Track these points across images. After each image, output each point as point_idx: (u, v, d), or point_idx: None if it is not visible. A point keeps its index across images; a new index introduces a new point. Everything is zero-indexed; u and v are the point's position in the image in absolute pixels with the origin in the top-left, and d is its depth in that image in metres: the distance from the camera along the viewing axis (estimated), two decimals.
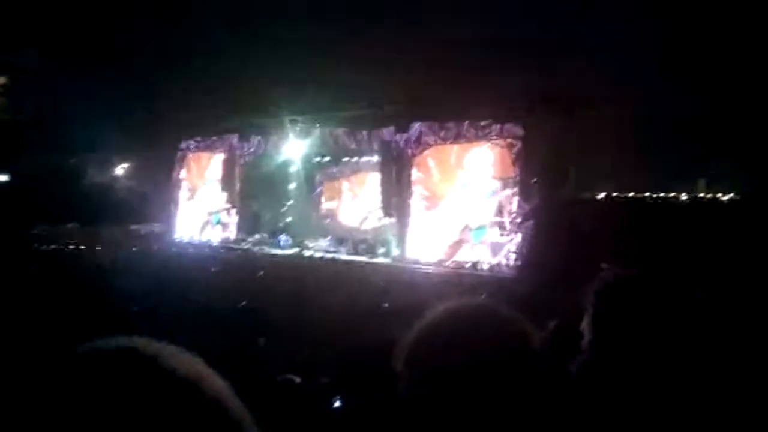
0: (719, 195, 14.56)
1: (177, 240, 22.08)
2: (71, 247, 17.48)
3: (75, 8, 20.26)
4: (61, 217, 20.79)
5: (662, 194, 14.82)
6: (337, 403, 3.13)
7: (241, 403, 0.60)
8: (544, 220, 14.40)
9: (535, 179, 14.76)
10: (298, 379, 2.92)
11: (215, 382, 0.59)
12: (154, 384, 0.54)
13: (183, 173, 23.02)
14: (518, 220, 14.81)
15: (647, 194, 14.92)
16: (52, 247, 17.32)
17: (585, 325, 2.44)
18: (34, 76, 22.63)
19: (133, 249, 18.25)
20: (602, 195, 15.45)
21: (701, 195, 14.87)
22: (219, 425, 0.56)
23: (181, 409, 0.54)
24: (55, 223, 20.51)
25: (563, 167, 14.99)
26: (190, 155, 22.90)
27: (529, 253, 14.44)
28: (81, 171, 24.31)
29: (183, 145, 22.87)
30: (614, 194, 15.40)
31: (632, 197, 15.24)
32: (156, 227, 22.70)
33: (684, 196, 14.78)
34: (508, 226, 15.06)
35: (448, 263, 16.02)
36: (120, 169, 25.01)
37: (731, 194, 14.34)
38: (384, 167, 18.06)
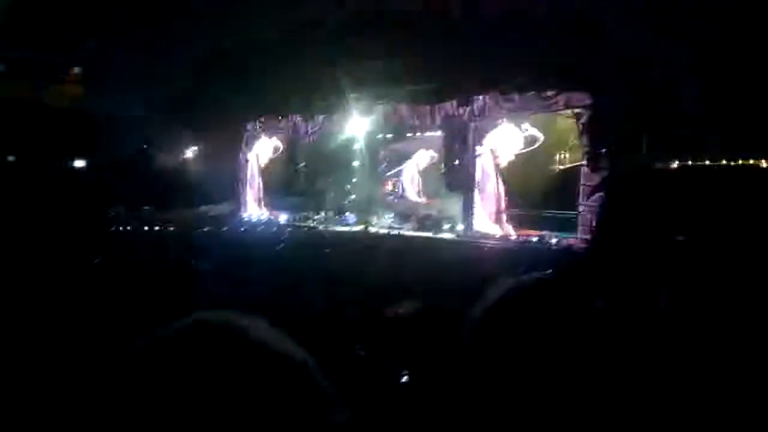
0: None
1: (245, 220, 22.62)
2: (146, 228, 18.18)
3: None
4: (137, 201, 21.60)
5: (741, 161, 14.10)
6: (404, 377, 3.16)
7: (323, 375, 0.62)
8: (615, 190, 13.98)
9: (605, 149, 14.34)
10: (363, 353, 2.96)
11: (301, 355, 0.61)
12: (246, 355, 0.56)
13: (249, 155, 23.49)
14: (588, 191, 14.46)
15: (724, 162, 14.22)
16: (129, 228, 18.07)
17: (662, 298, 2.36)
18: (104, 67, 23.45)
19: (205, 229, 18.79)
20: (676, 164, 14.86)
21: None
22: (305, 394, 0.57)
23: (270, 379, 0.56)
24: (131, 206, 21.33)
25: (634, 136, 14.48)
26: (256, 137, 23.33)
27: (601, 226, 14.09)
28: (153, 157, 25.17)
29: (249, 126, 23.30)
30: (689, 162, 14.77)
31: (709, 165, 14.57)
32: (225, 208, 23.30)
33: (765, 163, 14.03)
34: (578, 198, 14.74)
35: (515, 237, 15.88)
36: (190, 153, 25.73)
37: None
38: (448, 141, 17.96)
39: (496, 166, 16.66)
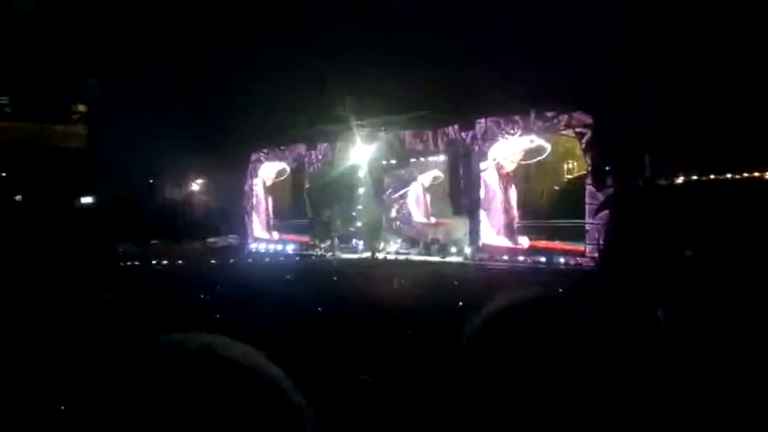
0: None
1: (253, 250, 22.66)
2: (155, 263, 18.23)
3: (140, 34, 21.18)
4: (145, 236, 21.68)
5: (745, 174, 14.05)
6: (407, 401, 3.16)
7: (298, 391, 0.66)
8: (620, 208, 13.96)
9: (608, 167, 14.35)
10: (371, 380, 2.97)
11: (274, 372, 0.65)
12: (219, 371, 0.60)
13: (255, 185, 23.62)
14: (594, 209, 14.43)
15: (729, 175, 14.17)
16: (137, 263, 18.12)
17: (661, 314, 2.36)
18: (108, 105, 23.76)
19: (212, 261, 18.83)
20: (681, 179, 14.85)
21: None
22: (278, 410, 0.62)
23: (242, 394, 0.60)
24: (139, 241, 21.39)
25: (637, 154, 14.51)
26: (261, 167, 23.48)
27: (607, 244, 14.05)
28: (160, 191, 25.33)
29: (253, 157, 23.47)
30: (694, 177, 14.75)
31: (714, 179, 14.53)
32: (232, 239, 23.35)
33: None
34: (583, 217, 14.71)
35: (522, 258, 15.82)
36: (196, 186, 25.89)
37: None
38: (452, 165, 18.07)
39: (503, 178, 16.60)
